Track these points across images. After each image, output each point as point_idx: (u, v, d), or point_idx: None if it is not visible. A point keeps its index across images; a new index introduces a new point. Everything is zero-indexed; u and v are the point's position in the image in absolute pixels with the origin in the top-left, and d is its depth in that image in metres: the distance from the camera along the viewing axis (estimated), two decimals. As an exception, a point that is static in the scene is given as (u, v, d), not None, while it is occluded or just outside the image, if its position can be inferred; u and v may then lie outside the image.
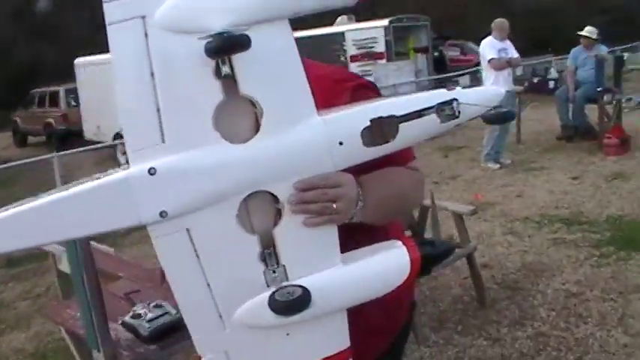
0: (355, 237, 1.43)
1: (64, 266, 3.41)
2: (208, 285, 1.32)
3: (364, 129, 1.34)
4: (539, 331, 4.12)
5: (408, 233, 4.77)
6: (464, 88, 1.56)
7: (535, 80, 10.22)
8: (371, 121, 1.35)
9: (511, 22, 9.00)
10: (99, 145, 13.33)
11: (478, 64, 21.14)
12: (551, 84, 10.02)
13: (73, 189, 1.22)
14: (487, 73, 8.74)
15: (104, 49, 1.28)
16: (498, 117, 1.61)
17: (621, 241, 5.49)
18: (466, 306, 4.59)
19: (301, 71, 1.30)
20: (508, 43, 8.84)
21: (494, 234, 6.01)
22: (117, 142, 12.56)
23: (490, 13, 36.89)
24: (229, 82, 1.23)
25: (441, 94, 1.48)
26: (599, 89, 9.12)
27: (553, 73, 10.56)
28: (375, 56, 17.55)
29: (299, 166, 1.31)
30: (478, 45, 23.71)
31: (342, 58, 18.33)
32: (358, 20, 19.22)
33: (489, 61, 8.64)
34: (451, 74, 18.13)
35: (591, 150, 9.21)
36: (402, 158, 1.57)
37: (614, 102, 9.04)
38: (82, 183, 1.24)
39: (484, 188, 7.80)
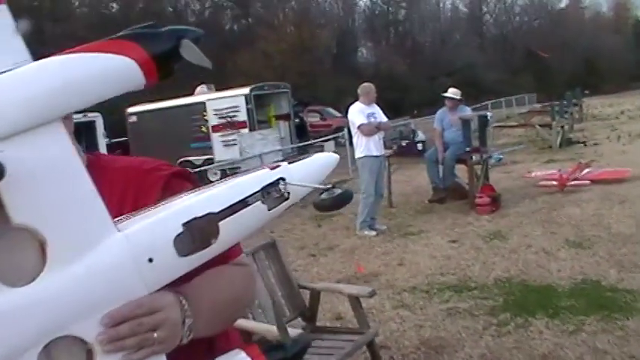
0: (194, 351, 1.26)
1: None
2: None
3: (177, 236, 1.16)
4: (454, 420, 3.74)
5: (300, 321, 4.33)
6: (290, 163, 1.43)
7: (403, 143, 10.16)
8: (184, 225, 1.17)
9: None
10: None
11: (338, 129, 21.57)
12: (419, 146, 9.97)
13: None
14: (358, 139, 8.56)
15: None
16: (334, 203, 1.44)
17: (515, 307, 5.28)
18: (370, 397, 4.14)
19: (87, 181, 1.12)
20: (376, 108, 8.73)
21: (384, 309, 5.63)
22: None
23: (342, 79, 38.00)
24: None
25: (263, 176, 1.34)
26: (467, 149, 9.18)
27: (420, 136, 10.58)
28: (237, 125, 17.26)
29: (103, 298, 1.11)
30: (337, 110, 24.11)
31: (204, 129, 17.91)
32: (218, 89, 18.96)
33: (359, 126, 8.45)
34: (315, 141, 18.11)
35: (463, 210, 9.22)
36: (227, 254, 1.37)
37: (482, 161, 9.12)
38: None
39: (364, 258, 7.48)
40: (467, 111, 10.00)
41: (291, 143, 17.73)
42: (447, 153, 9.54)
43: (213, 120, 17.98)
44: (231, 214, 1.23)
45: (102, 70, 1.09)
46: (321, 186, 1.42)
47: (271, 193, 1.31)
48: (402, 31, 56.80)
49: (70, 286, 1.07)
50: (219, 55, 38.77)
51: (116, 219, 1.21)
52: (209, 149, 18.03)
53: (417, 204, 10.24)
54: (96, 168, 1.56)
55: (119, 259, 1.11)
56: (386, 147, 9.47)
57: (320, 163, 1.51)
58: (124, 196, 1.45)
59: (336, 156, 1.58)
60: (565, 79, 44.51)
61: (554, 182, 9.86)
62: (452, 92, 9.75)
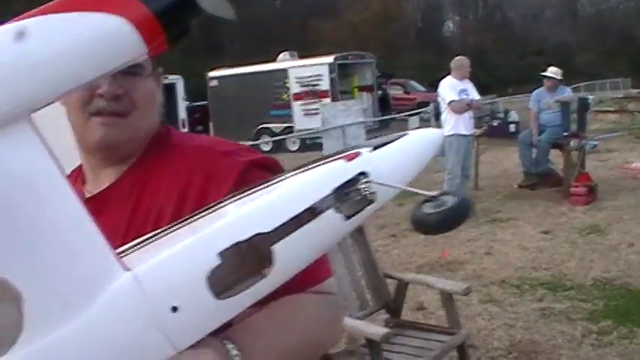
0: None
1: None
2: None
3: (212, 272, 0.83)
4: None
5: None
6: (375, 148, 1.01)
7: (495, 123, 9.59)
8: (221, 255, 0.83)
9: (448, 62, 8.40)
10: None
11: (421, 104, 20.99)
12: (512, 127, 9.38)
13: None
14: (447, 116, 8.07)
15: None
16: (444, 220, 1.03)
17: (618, 314, 4.78)
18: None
19: (74, 204, 0.79)
20: (469, 84, 8.20)
21: (471, 302, 5.21)
22: None
23: (426, 52, 37.21)
24: None
25: (337, 170, 0.95)
26: (565, 134, 8.57)
27: (514, 116, 9.98)
28: (319, 94, 16.96)
29: None
30: (420, 84, 23.64)
31: (285, 97, 17.69)
32: (301, 57, 18.70)
33: (449, 103, 7.96)
34: (399, 115, 17.66)
35: (556, 199, 8.63)
36: (304, 279, 1.00)
37: (581, 147, 8.52)
38: None
39: (449, 243, 7.03)
40: (567, 92, 9.31)
41: (373, 116, 17.31)
42: (542, 136, 8.92)
43: (294, 88, 17.72)
44: (290, 232, 0.88)
45: (76, 40, 0.74)
46: (422, 191, 0.98)
47: (349, 194, 0.94)
48: (491, 4, 55.09)
49: (61, 356, 0.76)
50: (303, 22, 38.51)
51: (124, 247, 0.89)
52: (289, 117, 17.82)
53: (504, 188, 9.69)
54: (164, 145, 1.28)
55: (128, 312, 0.80)
56: (476, 126, 8.94)
57: (417, 144, 1.09)
58: (191, 180, 1.14)
59: (439, 133, 1.16)
60: (662, 64, 42.27)
61: (657, 176, 9.14)
62: (552, 71, 9.08)
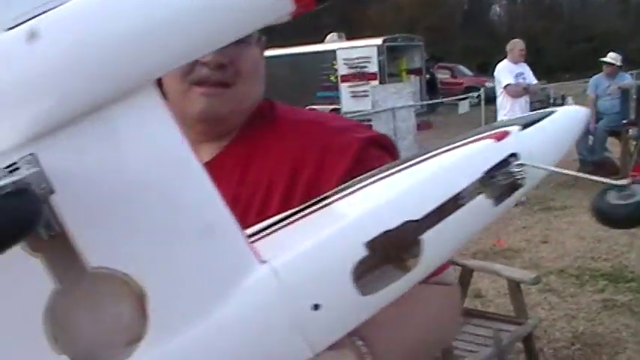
0: None
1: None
2: None
3: (358, 265, 0.72)
4: None
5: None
6: (524, 127, 0.93)
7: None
8: (368, 246, 0.72)
9: (495, 47, 8.25)
10: None
11: (468, 88, 20.72)
12: (568, 114, 9.14)
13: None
14: (502, 101, 7.94)
15: None
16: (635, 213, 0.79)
17: (683, 309, 4.65)
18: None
19: (208, 188, 0.69)
20: (525, 67, 8.06)
21: (530, 291, 5.07)
22: None
23: (473, 37, 36.59)
24: (60, 250, 0.61)
25: (485, 151, 0.86)
26: (624, 121, 8.34)
27: (570, 103, 9.73)
28: (367, 76, 16.80)
29: None
30: (468, 68, 23.31)
31: (332, 78, 17.55)
32: (349, 39, 18.55)
33: (505, 87, 7.83)
34: (450, 98, 17.45)
35: (612, 188, 8.41)
36: None
37: (638, 136, 8.28)
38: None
39: (503, 230, 6.92)
40: (627, 79, 9.06)
41: (421, 99, 17.12)
42: (599, 124, 8.71)
43: (342, 69, 17.54)
44: (439, 220, 0.79)
45: None
46: (605, 180, 0.83)
47: (498, 178, 0.85)
48: (540, -11, 54.06)
49: None
50: (349, 5, 38.18)
51: (254, 231, 0.79)
52: (336, 99, 17.65)
53: (558, 176, 9.49)
54: (268, 119, 1.20)
55: (266, 312, 0.70)
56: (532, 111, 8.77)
57: (564, 123, 0.99)
58: (303, 157, 1.05)
59: (585, 111, 1.06)
60: None
61: None
62: (611, 57, 8.84)
